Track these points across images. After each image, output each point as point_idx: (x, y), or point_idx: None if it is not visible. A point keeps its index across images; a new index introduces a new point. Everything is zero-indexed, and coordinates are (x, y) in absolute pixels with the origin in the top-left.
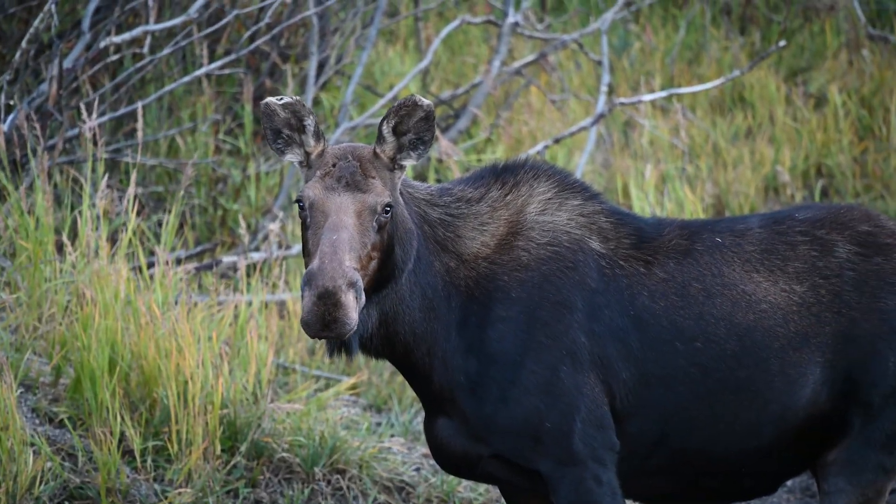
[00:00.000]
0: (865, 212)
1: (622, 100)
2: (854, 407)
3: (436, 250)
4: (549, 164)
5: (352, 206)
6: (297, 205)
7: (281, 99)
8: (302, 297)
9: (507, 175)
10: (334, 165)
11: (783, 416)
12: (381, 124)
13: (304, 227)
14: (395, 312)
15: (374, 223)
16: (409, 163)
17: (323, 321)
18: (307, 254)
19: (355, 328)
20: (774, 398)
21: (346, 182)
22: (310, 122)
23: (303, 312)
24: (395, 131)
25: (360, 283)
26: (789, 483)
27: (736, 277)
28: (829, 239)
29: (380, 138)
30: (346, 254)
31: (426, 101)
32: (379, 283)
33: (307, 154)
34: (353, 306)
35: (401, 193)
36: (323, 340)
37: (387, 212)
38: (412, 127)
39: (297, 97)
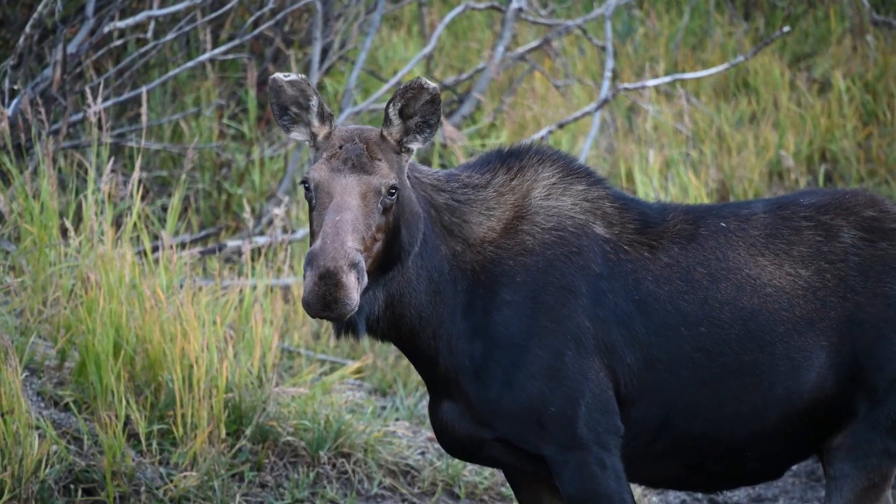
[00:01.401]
0: (870, 197)
1: (626, 85)
2: (860, 392)
3: (442, 234)
4: (554, 149)
5: (357, 188)
6: (302, 186)
7: (288, 76)
8: (304, 277)
9: (512, 160)
10: (341, 147)
11: (788, 400)
12: (387, 107)
13: (310, 209)
14: (401, 295)
15: (380, 205)
16: (415, 146)
17: (324, 301)
18: (312, 235)
19: (356, 309)
20: (779, 382)
21: (352, 164)
22: (314, 102)
23: (304, 292)
24: (402, 114)
25: (363, 264)
26: (794, 467)
27: (741, 262)
28: (834, 224)
29: (386, 121)
30: (349, 234)
31: (432, 84)
32: (385, 265)
33: (314, 135)
34: (354, 287)
35: (408, 177)
36: (329, 323)
37: (392, 194)
38: (418, 110)
39: (304, 76)
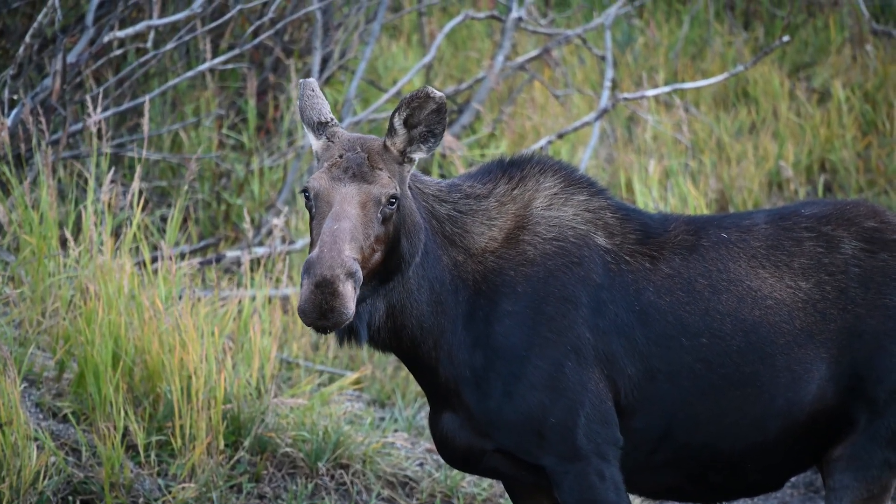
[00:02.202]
0: (872, 208)
1: (626, 95)
2: (860, 403)
3: (444, 244)
4: (556, 159)
5: (356, 197)
6: (302, 195)
7: (313, 88)
8: (301, 285)
9: (513, 169)
10: (341, 156)
11: (789, 411)
12: (392, 116)
13: (311, 218)
14: (402, 305)
15: (379, 214)
16: (419, 156)
17: (320, 310)
18: (312, 244)
19: (352, 318)
20: (780, 394)
21: (352, 173)
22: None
23: (300, 301)
24: (406, 123)
25: (360, 274)
26: (793, 478)
27: (742, 273)
28: (835, 235)
29: (391, 130)
30: (347, 243)
31: (438, 93)
32: (385, 275)
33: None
34: (350, 296)
35: (410, 188)
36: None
37: (392, 203)
38: (423, 119)
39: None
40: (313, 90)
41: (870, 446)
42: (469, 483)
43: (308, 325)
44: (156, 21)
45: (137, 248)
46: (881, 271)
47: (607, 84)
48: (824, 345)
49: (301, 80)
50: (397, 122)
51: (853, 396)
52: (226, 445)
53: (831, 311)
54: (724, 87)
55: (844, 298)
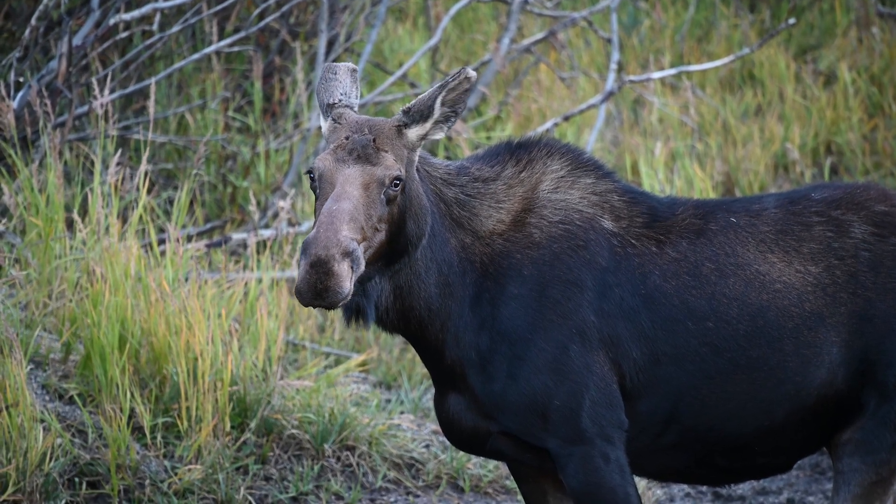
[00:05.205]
0: (882, 191)
1: (632, 77)
2: (869, 387)
3: (451, 227)
4: (563, 141)
5: (359, 178)
6: (308, 177)
7: (335, 71)
8: (298, 265)
9: (521, 152)
10: (347, 138)
11: (797, 395)
12: (433, 102)
13: (315, 199)
14: (409, 287)
15: (382, 196)
16: (438, 136)
17: (315, 290)
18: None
19: (348, 298)
20: (788, 378)
21: (357, 154)
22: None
23: (296, 281)
24: (443, 105)
25: (358, 253)
26: (800, 460)
27: (750, 258)
28: (845, 219)
29: (426, 115)
30: (345, 224)
31: (472, 72)
32: (390, 256)
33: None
34: (346, 276)
35: (418, 170)
36: (338, 312)
37: (395, 185)
38: (451, 100)
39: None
40: (335, 73)
41: (879, 430)
42: (475, 465)
43: (305, 305)
44: (162, 3)
45: (144, 230)
46: (891, 255)
47: (613, 66)
48: (834, 329)
49: (326, 64)
50: (437, 105)
51: (862, 380)
52: (232, 427)
53: (841, 296)
54: (730, 69)
55: (854, 283)
